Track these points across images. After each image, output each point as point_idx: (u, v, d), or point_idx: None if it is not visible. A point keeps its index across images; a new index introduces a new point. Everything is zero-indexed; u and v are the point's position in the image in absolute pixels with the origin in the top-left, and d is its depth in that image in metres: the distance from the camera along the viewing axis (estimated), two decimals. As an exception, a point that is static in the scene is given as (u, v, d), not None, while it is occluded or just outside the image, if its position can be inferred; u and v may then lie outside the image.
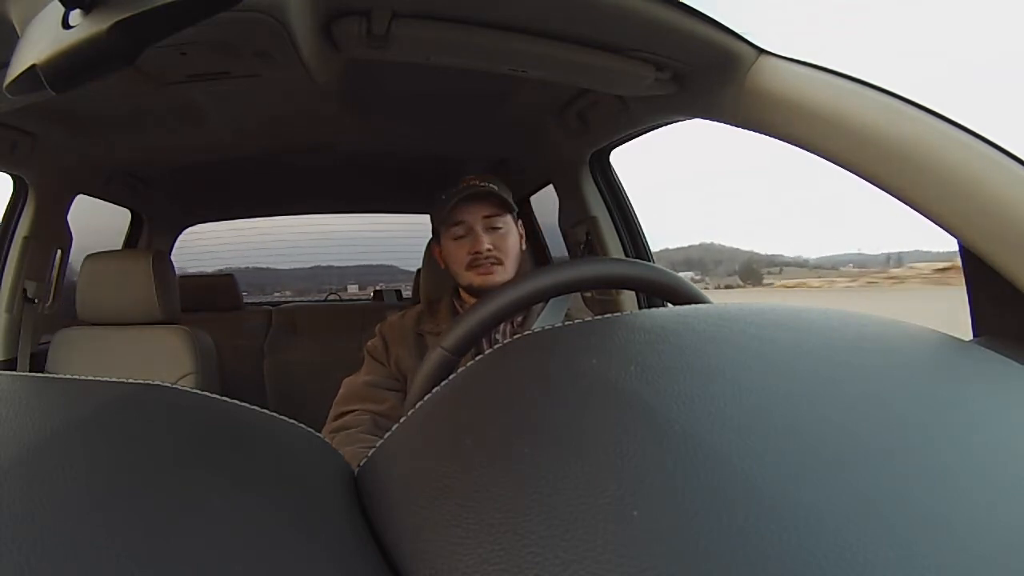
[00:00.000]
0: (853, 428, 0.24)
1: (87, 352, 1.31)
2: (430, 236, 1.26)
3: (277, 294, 3.16)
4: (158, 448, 0.25)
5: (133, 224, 1.97)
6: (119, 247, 1.95)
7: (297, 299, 2.90)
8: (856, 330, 0.33)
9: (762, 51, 0.66)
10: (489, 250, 0.92)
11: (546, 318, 0.90)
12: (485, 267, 0.93)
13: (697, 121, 0.88)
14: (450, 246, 0.96)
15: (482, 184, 0.94)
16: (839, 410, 0.25)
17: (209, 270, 2.64)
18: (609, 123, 1.12)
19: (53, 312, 1.41)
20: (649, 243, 1.39)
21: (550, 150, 1.35)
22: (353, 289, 3.07)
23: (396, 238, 2.54)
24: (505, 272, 0.94)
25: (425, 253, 1.24)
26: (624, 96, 0.95)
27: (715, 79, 0.71)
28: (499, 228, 0.95)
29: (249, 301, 2.46)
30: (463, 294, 1.02)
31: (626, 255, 1.34)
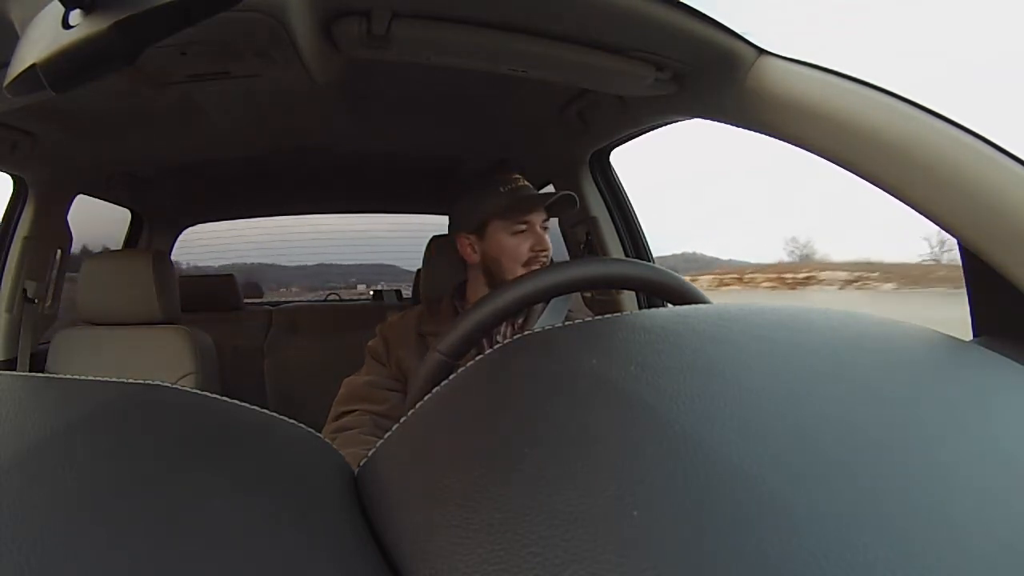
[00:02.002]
0: (854, 428, 0.24)
1: (87, 352, 1.31)
2: (430, 237, 1.26)
3: (284, 290, 3.18)
4: (158, 448, 0.25)
5: (133, 224, 1.98)
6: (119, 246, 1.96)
7: (300, 299, 2.91)
8: (857, 330, 0.33)
9: (762, 51, 0.66)
10: (546, 251, 0.98)
11: (547, 318, 0.90)
12: (540, 264, 0.98)
13: (693, 121, 0.88)
14: (509, 240, 0.98)
15: (533, 189, 1.01)
16: (840, 410, 0.25)
17: (216, 264, 2.66)
18: (609, 123, 1.12)
19: (52, 312, 1.41)
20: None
21: (550, 150, 1.35)
22: (362, 288, 3.08)
23: (398, 238, 2.54)
24: None
25: (425, 253, 1.24)
26: (624, 96, 0.95)
27: (715, 79, 0.71)
28: (548, 231, 1.01)
29: (251, 301, 2.45)
30: (466, 294, 1.02)
31: (626, 255, 1.34)
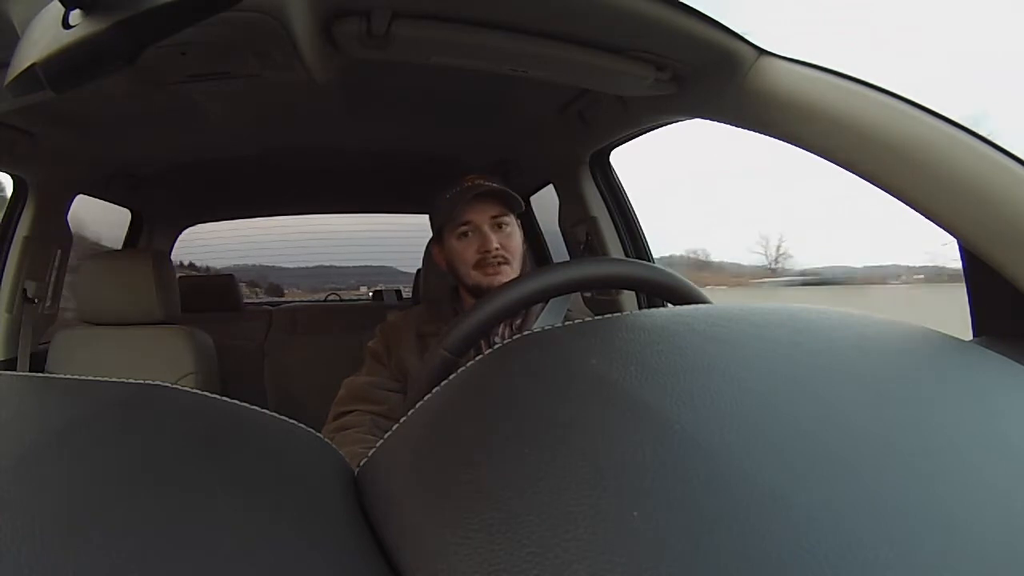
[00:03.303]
0: (853, 427, 0.24)
1: (87, 352, 1.31)
2: (431, 236, 1.26)
3: (286, 291, 3.19)
4: (158, 448, 0.25)
5: (133, 224, 1.98)
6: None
7: (305, 299, 2.92)
8: (857, 330, 0.33)
9: (762, 51, 0.66)
10: (497, 249, 0.92)
11: (546, 318, 0.90)
12: (493, 267, 0.92)
13: (694, 121, 0.88)
14: (456, 245, 0.95)
15: (487, 183, 0.93)
16: (839, 409, 0.25)
17: (219, 266, 2.66)
18: (609, 123, 1.12)
19: (52, 312, 1.42)
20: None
21: (550, 150, 1.35)
22: (363, 290, 3.07)
23: (399, 238, 2.54)
24: (512, 272, 0.94)
25: (425, 253, 1.24)
26: (624, 96, 0.95)
27: (715, 79, 0.71)
28: (506, 227, 0.95)
29: (251, 301, 2.46)
30: (463, 294, 1.02)
31: (626, 255, 1.34)
